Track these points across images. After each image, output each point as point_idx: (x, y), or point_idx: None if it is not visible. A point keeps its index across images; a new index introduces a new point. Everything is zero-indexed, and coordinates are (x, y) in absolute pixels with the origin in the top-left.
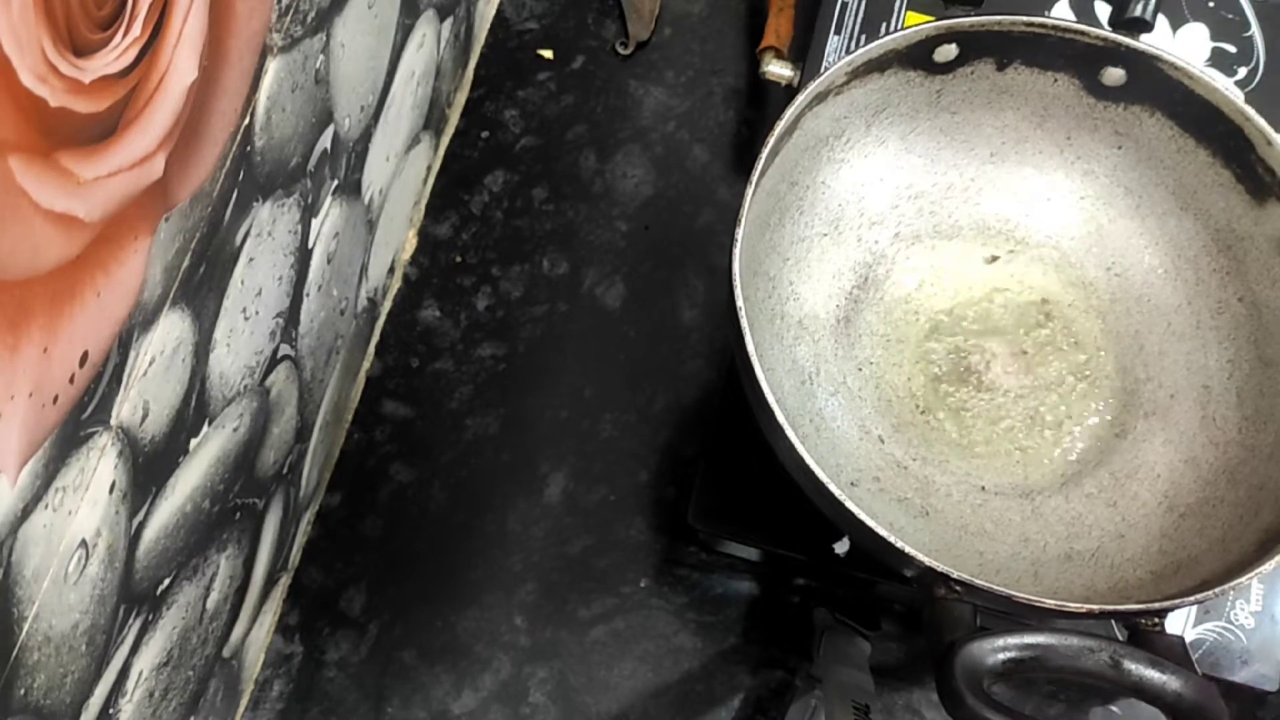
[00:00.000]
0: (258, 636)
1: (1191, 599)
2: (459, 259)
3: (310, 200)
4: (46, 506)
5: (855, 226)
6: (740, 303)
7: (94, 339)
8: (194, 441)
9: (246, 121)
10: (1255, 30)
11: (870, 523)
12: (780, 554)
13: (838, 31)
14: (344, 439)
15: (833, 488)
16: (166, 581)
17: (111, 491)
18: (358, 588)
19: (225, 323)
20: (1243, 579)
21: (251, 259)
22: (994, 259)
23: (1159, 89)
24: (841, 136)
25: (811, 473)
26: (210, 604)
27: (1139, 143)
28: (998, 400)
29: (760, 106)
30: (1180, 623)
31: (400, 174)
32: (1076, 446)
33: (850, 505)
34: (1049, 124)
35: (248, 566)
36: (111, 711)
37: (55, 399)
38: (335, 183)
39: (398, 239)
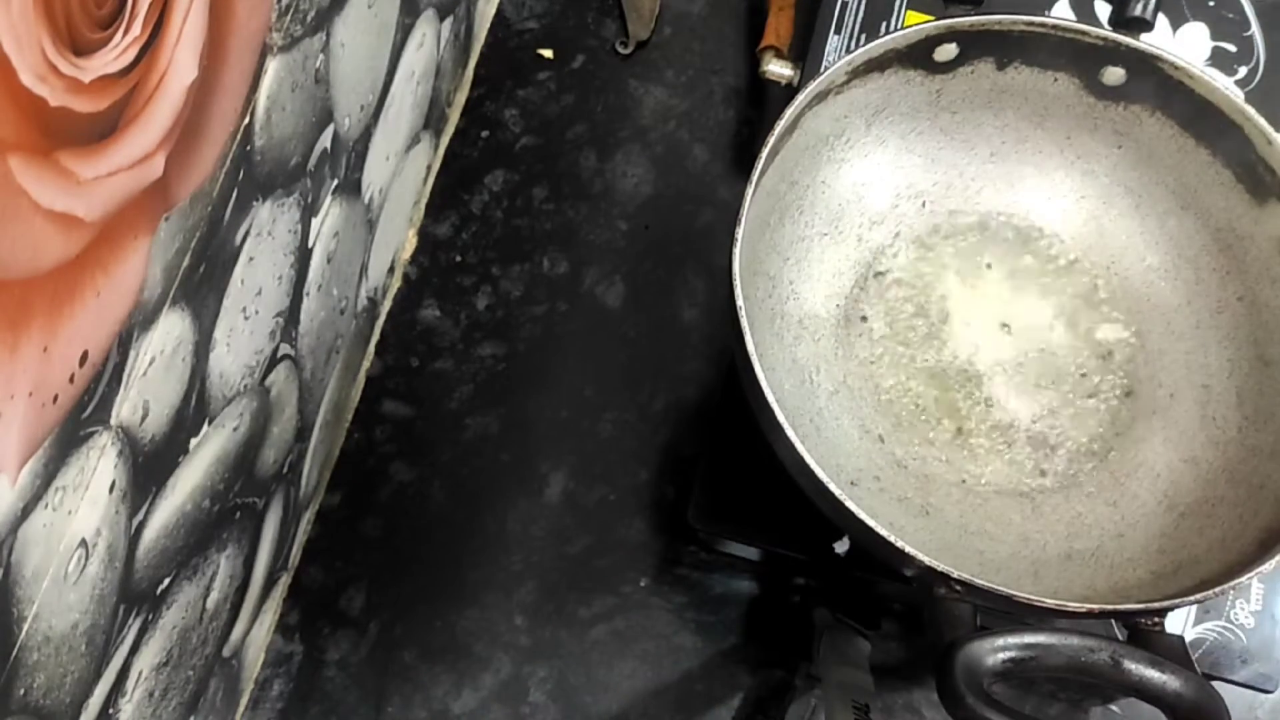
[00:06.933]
0: (258, 636)
1: (1191, 599)
2: (459, 258)
3: (310, 200)
4: (46, 506)
5: (855, 226)
6: (740, 302)
7: (94, 338)
8: (194, 441)
9: (246, 121)
10: (1255, 30)
11: (870, 522)
12: (780, 553)
13: (838, 31)
14: (344, 438)
15: (833, 487)
16: (166, 581)
17: (111, 491)
18: (358, 587)
19: (225, 322)
20: (1243, 579)
21: (251, 258)
22: (993, 258)
23: (1159, 88)
24: (841, 136)
25: (811, 473)
26: (210, 603)
27: (1139, 142)
28: (997, 399)
29: (760, 106)
30: (1180, 622)
31: (400, 173)
32: (1076, 446)
33: (850, 505)
34: (1049, 123)
35: (248, 566)
36: (111, 711)
37: (55, 398)
38: (335, 182)
39: (398, 238)
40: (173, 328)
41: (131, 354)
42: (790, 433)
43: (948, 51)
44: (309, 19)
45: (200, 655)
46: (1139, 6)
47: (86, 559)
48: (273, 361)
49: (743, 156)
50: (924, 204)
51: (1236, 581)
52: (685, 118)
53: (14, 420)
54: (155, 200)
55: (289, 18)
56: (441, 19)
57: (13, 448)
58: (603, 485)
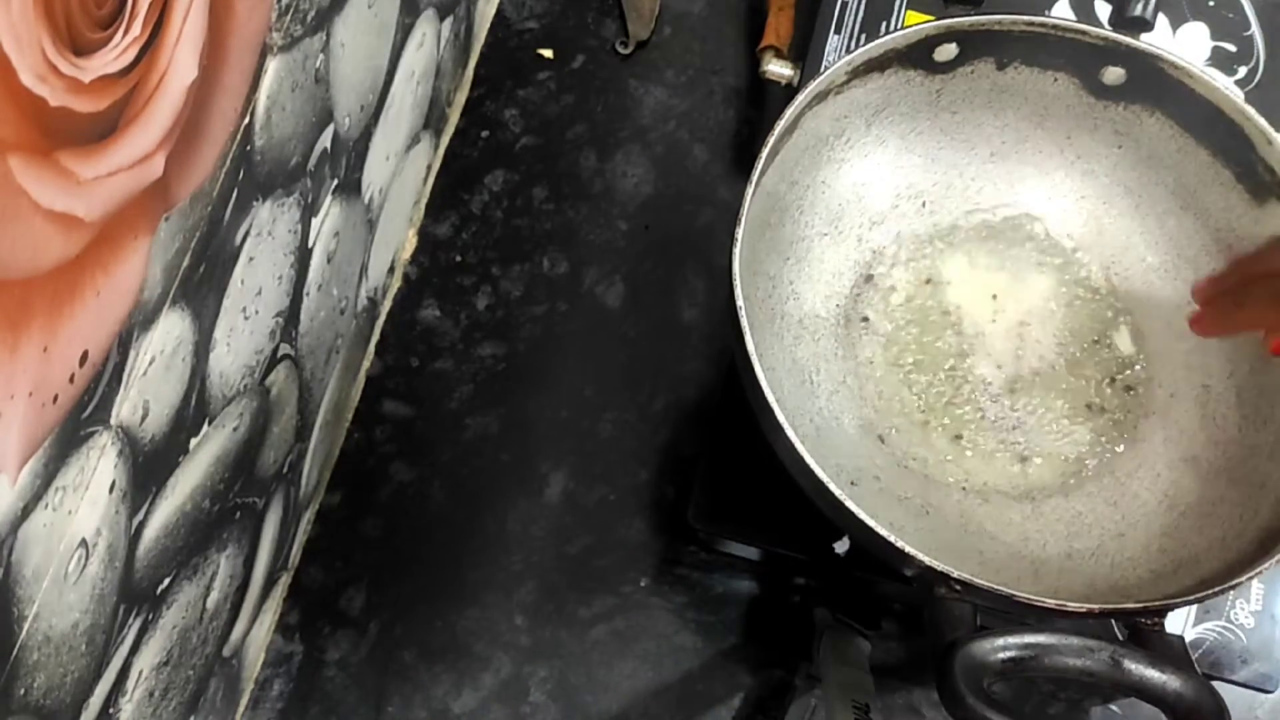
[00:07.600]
0: (258, 636)
1: (1191, 598)
2: (459, 258)
3: (310, 199)
4: (46, 506)
5: (855, 226)
6: (740, 302)
7: (94, 338)
8: (194, 441)
9: (246, 121)
10: (1255, 29)
11: (870, 522)
12: (780, 553)
13: (838, 31)
14: (344, 438)
15: (833, 488)
16: (166, 581)
17: (111, 491)
18: (358, 587)
19: (225, 322)
20: (1243, 578)
21: (251, 258)
22: (993, 258)
23: (1159, 88)
24: (841, 136)
25: (811, 473)
26: (210, 603)
27: (1139, 142)
28: (998, 400)
29: (760, 106)
30: (1180, 622)
31: (400, 173)
32: (1077, 446)
33: (850, 505)
34: (1049, 123)
35: (248, 566)
36: (111, 711)
37: (55, 398)
38: (335, 182)
39: (398, 238)
40: (173, 328)
41: (131, 354)
42: (790, 433)
43: (948, 51)
44: (309, 19)
45: (200, 655)
46: (1139, 6)
47: (86, 559)
48: (273, 361)
49: (743, 156)
50: (924, 204)
51: (1236, 581)
52: (685, 118)
53: (14, 420)
54: (155, 200)
55: (289, 18)
56: (441, 19)
57: (13, 448)
58: (603, 485)
